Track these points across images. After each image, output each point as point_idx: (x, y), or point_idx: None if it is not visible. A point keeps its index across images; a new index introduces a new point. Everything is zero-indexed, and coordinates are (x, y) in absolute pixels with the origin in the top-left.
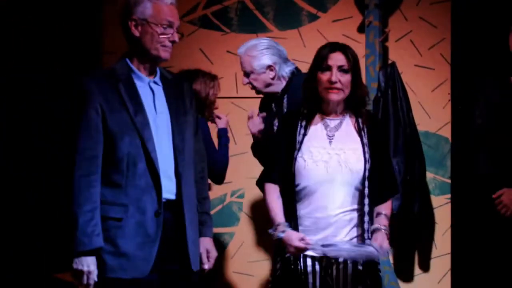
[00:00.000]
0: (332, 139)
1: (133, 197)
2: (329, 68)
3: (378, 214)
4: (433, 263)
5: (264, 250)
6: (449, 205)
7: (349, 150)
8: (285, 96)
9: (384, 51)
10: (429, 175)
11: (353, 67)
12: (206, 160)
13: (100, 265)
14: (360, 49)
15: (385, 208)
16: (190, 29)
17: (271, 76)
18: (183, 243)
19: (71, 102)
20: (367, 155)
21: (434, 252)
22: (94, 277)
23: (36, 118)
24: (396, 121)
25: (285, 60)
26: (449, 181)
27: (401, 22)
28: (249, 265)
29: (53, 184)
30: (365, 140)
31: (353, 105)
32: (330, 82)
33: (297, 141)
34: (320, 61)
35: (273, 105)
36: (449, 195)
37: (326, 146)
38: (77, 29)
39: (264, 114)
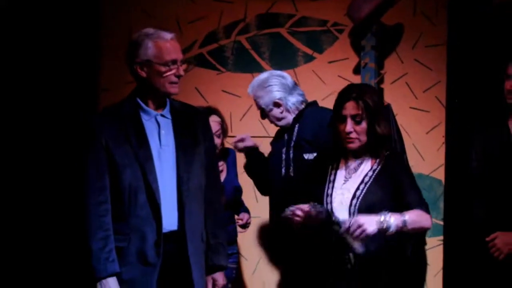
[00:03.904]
0: (347, 180)
1: (135, 227)
2: (344, 118)
3: None
4: None
5: None
6: (441, 247)
7: (353, 190)
8: (297, 125)
9: (380, 93)
10: None
11: (368, 114)
12: (221, 191)
13: None
14: None
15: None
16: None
17: (280, 111)
18: (187, 272)
19: (78, 139)
20: (358, 192)
21: None
22: None
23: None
24: None
25: (291, 91)
26: (441, 223)
27: (397, 64)
28: None
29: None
30: (367, 179)
31: (372, 147)
32: (346, 132)
33: (327, 187)
34: (337, 111)
35: (285, 134)
36: (441, 237)
37: (340, 187)
38: (74, 67)
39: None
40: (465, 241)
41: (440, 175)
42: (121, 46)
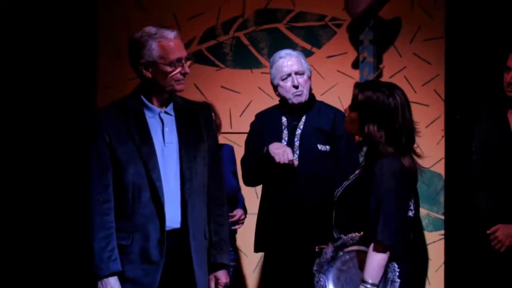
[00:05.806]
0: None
1: (138, 225)
2: None
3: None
4: None
5: None
6: (443, 241)
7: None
8: (305, 115)
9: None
10: (423, 211)
11: (357, 105)
12: (224, 188)
13: None
14: None
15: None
16: None
17: (310, 84)
18: (190, 270)
19: (80, 136)
20: (335, 192)
21: None
22: None
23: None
24: None
25: None
26: (442, 217)
27: (395, 58)
28: None
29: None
30: (350, 180)
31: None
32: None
33: None
34: None
35: (283, 117)
36: (442, 231)
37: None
38: (73, 64)
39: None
40: (467, 235)
41: (440, 169)
42: (119, 43)
